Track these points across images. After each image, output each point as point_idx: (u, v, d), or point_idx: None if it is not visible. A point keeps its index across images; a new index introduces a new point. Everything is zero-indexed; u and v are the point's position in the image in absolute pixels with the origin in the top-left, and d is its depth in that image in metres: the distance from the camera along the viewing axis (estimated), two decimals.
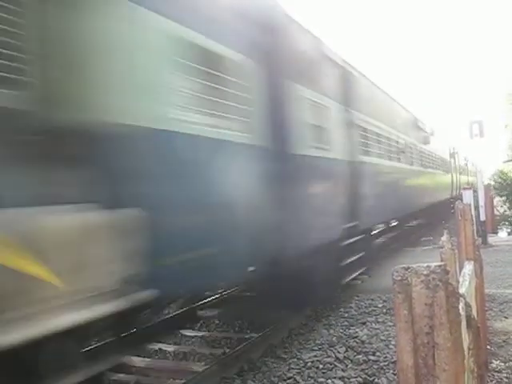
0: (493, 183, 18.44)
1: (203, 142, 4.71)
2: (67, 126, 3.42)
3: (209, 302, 9.07)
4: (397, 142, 13.34)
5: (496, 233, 16.99)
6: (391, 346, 6.23)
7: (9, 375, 3.18)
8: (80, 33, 3.58)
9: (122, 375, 6.12)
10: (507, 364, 5.58)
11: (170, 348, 7.04)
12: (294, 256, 6.08)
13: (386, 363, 5.79)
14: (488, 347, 5.78)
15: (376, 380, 5.38)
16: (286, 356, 6.28)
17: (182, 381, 5.44)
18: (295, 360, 6.09)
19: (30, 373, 3.26)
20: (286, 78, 6.52)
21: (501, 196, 18.41)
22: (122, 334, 5.03)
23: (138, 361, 6.61)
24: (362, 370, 5.69)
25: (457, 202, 5.51)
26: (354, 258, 9.08)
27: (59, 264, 3.13)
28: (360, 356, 6.10)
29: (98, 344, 5.82)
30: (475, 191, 15.10)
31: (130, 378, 5.94)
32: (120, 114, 3.81)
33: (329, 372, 5.68)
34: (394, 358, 5.74)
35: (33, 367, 3.20)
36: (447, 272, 1.88)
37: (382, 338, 6.66)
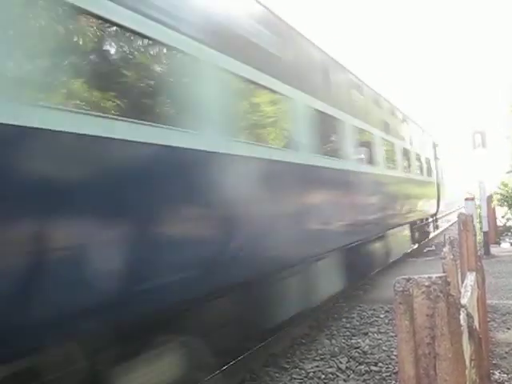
0: (495, 195, 18.41)
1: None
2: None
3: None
4: None
5: (498, 243, 16.96)
6: (393, 357, 6.22)
7: None
8: None
9: None
10: (510, 375, 5.57)
11: None
12: None
13: (388, 374, 5.79)
14: (490, 358, 5.77)
15: None
16: (288, 366, 6.27)
17: None
18: (297, 370, 6.09)
19: None
20: None
21: (502, 206, 18.40)
22: None
23: None
24: (364, 380, 5.69)
25: (459, 213, 5.52)
26: None
27: None
28: (362, 366, 6.09)
29: None
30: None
31: None
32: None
33: (331, 382, 5.68)
34: (396, 369, 5.74)
35: None
36: (448, 283, 1.89)
37: (384, 348, 6.66)
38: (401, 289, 1.85)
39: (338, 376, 5.84)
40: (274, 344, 7.00)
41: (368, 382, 5.64)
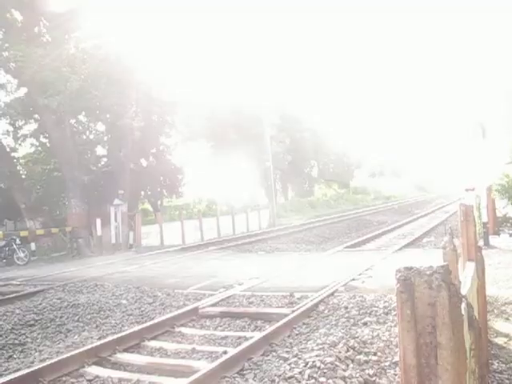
0: (495, 185, 18.36)
1: None
2: None
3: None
4: None
5: (498, 234, 16.96)
6: (392, 347, 6.23)
7: None
8: None
9: (123, 373, 6.15)
10: (508, 365, 5.59)
11: (170, 346, 7.06)
12: None
13: (387, 363, 5.80)
14: (489, 348, 5.78)
15: (377, 380, 5.38)
16: (287, 355, 6.28)
17: (183, 379, 5.45)
18: (296, 359, 6.09)
19: None
20: None
21: (502, 198, 18.37)
22: None
23: (139, 359, 6.64)
24: (363, 370, 5.69)
25: (460, 204, 5.51)
26: None
27: None
28: (361, 356, 6.09)
29: None
30: None
31: (131, 377, 5.97)
32: None
33: (330, 372, 5.67)
34: (396, 359, 5.75)
35: None
36: (450, 272, 1.88)
37: (384, 338, 6.66)
38: (402, 278, 1.84)
39: (337, 365, 5.84)
40: (274, 333, 7.02)
41: (367, 371, 5.64)
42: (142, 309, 9.41)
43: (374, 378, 5.45)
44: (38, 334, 8.32)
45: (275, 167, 38.07)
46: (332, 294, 9.28)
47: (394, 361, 5.75)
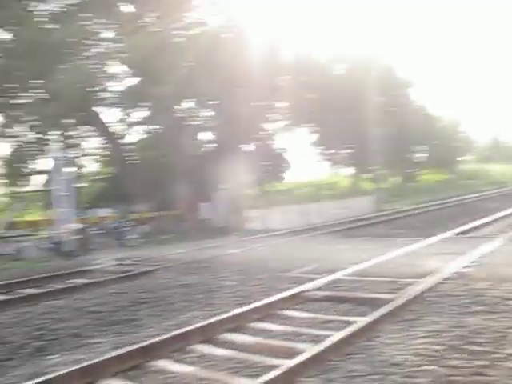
0: None
1: None
2: None
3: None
4: None
5: None
6: (505, 339, 5.95)
7: None
8: None
9: (229, 352, 6.33)
10: None
11: (275, 328, 7.17)
12: None
13: (500, 355, 5.54)
14: None
15: (487, 372, 5.16)
16: (392, 341, 6.19)
17: (288, 360, 5.52)
18: (402, 346, 6.00)
19: None
20: None
21: None
22: None
23: (244, 339, 6.80)
24: (472, 360, 5.49)
25: None
26: None
27: None
28: (470, 346, 5.88)
29: None
30: None
31: (238, 355, 6.13)
32: None
33: (437, 360, 5.54)
34: (509, 351, 5.50)
35: None
36: None
37: (495, 329, 6.38)
38: None
39: (443, 354, 5.68)
40: (379, 319, 6.93)
41: (476, 362, 5.42)
42: (248, 291, 9.62)
43: (484, 370, 5.23)
44: (149, 311, 8.75)
45: (380, 152, 37.28)
46: (440, 281, 9.01)
47: (507, 352, 5.49)
